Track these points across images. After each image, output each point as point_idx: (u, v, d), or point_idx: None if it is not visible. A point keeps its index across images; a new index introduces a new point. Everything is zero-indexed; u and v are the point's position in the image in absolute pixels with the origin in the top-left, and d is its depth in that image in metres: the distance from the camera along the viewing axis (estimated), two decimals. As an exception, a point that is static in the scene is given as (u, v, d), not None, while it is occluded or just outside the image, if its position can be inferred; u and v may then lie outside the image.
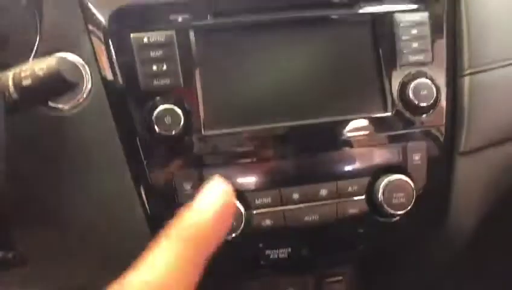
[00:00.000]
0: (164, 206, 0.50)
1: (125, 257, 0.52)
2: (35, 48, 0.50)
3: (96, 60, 0.49)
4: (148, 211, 0.50)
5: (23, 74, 0.38)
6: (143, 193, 0.50)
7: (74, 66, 0.47)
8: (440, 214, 0.56)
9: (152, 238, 0.50)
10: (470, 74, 0.55)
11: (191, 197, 0.49)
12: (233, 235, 0.49)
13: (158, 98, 0.49)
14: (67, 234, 0.52)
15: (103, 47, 0.50)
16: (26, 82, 0.38)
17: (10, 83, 0.38)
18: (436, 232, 0.57)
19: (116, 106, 0.49)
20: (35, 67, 0.38)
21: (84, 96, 0.49)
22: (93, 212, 0.50)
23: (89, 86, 0.49)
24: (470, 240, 0.60)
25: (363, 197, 0.53)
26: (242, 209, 0.49)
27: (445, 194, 0.56)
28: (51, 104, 0.48)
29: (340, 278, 0.69)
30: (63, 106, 0.49)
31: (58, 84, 0.39)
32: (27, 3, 0.50)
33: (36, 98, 0.40)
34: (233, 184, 0.50)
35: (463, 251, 0.60)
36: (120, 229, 0.51)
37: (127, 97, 0.49)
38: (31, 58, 0.48)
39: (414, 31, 0.53)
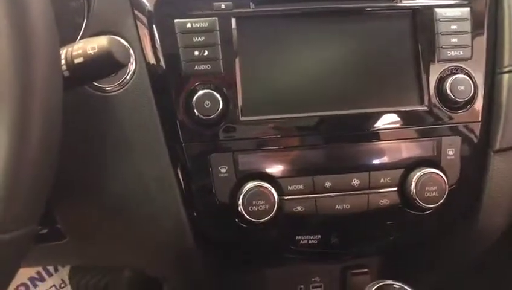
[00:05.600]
0: (199, 188, 0.52)
1: (160, 235, 0.54)
2: (81, 31, 0.52)
3: (140, 43, 0.51)
4: (184, 192, 0.52)
5: (75, 53, 0.40)
6: (179, 174, 0.52)
7: (124, 47, 0.49)
8: (471, 210, 0.56)
9: (187, 219, 0.52)
10: (510, 71, 0.54)
11: (225, 181, 0.51)
12: (266, 218, 0.50)
13: (198, 82, 0.51)
14: (105, 211, 0.54)
15: (147, 31, 0.51)
16: (78, 60, 0.40)
17: (63, 60, 0.40)
18: (466, 228, 0.57)
19: (157, 89, 0.51)
20: (87, 46, 0.40)
21: (128, 77, 0.51)
22: (130, 191, 0.52)
23: (133, 68, 0.51)
24: (499, 238, 0.60)
25: (395, 189, 0.53)
26: (275, 194, 0.50)
27: (478, 191, 0.56)
28: (95, 83, 0.50)
29: (366, 270, 0.70)
30: (107, 86, 0.51)
31: (108, 63, 0.40)
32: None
33: (86, 76, 0.42)
34: (267, 170, 0.52)
35: (491, 248, 0.60)
36: (156, 209, 0.52)
37: (169, 80, 0.51)
38: (77, 40, 0.50)
39: (454, 26, 0.54)
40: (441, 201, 0.52)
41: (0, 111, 0.32)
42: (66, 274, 1.09)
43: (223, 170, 0.51)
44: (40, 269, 1.13)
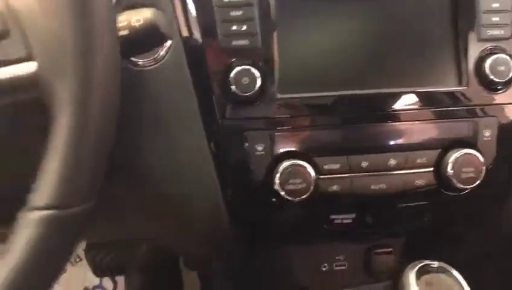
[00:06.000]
0: (235, 166, 0.51)
1: (194, 212, 0.54)
2: (114, 2, 0.51)
3: (176, 17, 0.50)
4: (219, 170, 0.51)
5: (120, 25, 0.39)
6: (215, 151, 0.51)
7: (167, 19, 0.47)
8: (506, 191, 0.56)
9: (222, 197, 0.52)
10: (551, 51, 0.53)
11: (261, 159, 0.51)
12: (302, 197, 0.50)
13: (236, 58, 0.49)
14: (137, 187, 0.53)
15: (183, 5, 0.50)
16: (123, 32, 0.39)
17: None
18: (499, 209, 0.57)
19: (193, 64, 0.50)
20: (131, 18, 0.39)
21: (163, 53, 0.50)
22: (164, 167, 0.51)
23: (169, 42, 0.50)
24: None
25: (431, 169, 0.53)
26: (312, 173, 0.50)
27: (513, 172, 0.55)
28: (131, 58, 0.49)
29: (390, 249, 0.70)
30: (143, 60, 0.49)
31: (153, 36, 0.39)
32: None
33: (129, 49, 0.41)
34: (304, 149, 0.51)
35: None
36: (190, 186, 0.52)
37: (205, 55, 0.50)
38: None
39: (495, 4, 0.52)
40: (478, 182, 0.52)
41: (62, 86, 0.31)
42: (82, 249, 1.09)
43: (259, 148, 0.50)
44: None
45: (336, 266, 0.70)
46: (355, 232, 0.55)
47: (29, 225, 0.31)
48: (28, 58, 0.30)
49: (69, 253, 0.34)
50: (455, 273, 0.42)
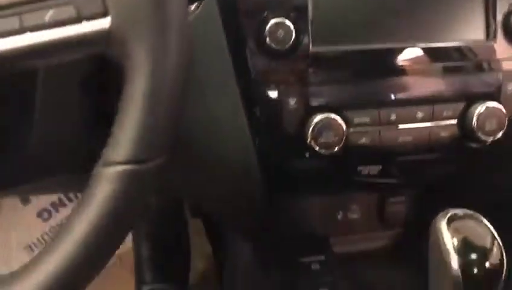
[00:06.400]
0: (268, 120, 0.52)
1: (228, 169, 0.55)
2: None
3: (207, -32, 0.49)
4: (253, 124, 0.52)
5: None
6: (248, 105, 0.51)
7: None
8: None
9: (255, 152, 0.53)
10: None
11: (294, 113, 0.51)
12: (335, 150, 0.51)
13: (269, 10, 0.49)
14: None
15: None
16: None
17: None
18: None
19: (226, 17, 0.49)
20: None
21: (196, 4, 0.49)
22: (198, 123, 0.52)
23: (201, -4, 0.49)
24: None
25: (455, 122, 0.54)
26: (344, 126, 0.51)
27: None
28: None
29: (403, 198, 0.73)
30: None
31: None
32: None
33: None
34: (335, 102, 0.52)
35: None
36: (223, 142, 0.52)
37: (238, 8, 0.49)
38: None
39: (526, -44, 0.52)
40: (500, 133, 0.53)
41: (139, 44, 0.30)
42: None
43: (292, 102, 0.51)
44: (61, 195, 1.14)
45: (350, 214, 0.73)
46: (382, 183, 0.56)
47: (108, 179, 0.31)
48: (103, 14, 0.30)
49: (142, 208, 0.35)
50: (484, 220, 0.44)
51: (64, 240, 0.30)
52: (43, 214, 1.19)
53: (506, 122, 0.54)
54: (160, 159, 0.34)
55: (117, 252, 0.34)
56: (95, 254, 0.31)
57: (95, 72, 0.40)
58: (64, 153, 0.44)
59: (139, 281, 1.01)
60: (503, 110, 0.53)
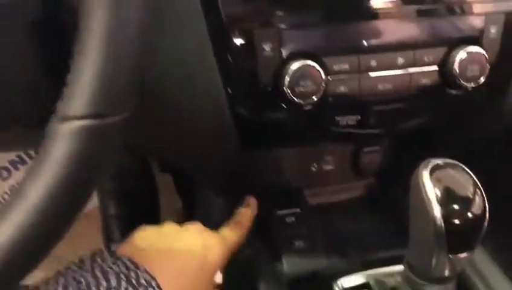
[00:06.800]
0: (241, 68, 0.48)
1: (198, 121, 0.51)
2: None
3: None
4: (224, 71, 0.48)
5: None
6: (218, 51, 0.47)
7: None
8: (507, 86, 0.56)
9: (227, 103, 0.49)
10: None
11: (268, 60, 0.48)
12: (313, 99, 0.48)
13: None
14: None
15: None
16: None
17: None
18: (499, 104, 0.58)
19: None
20: None
21: None
22: (163, 68, 0.47)
23: None
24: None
25: (436, 69, 0.52)
26: (323, 74, 0.48)
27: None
28: None
29: (377, 148, 0.72)
30: None
31: None
32: None
33: None
34: (313, 48, 0.49)
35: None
36: (193, 92, 0.48)
37: None
38: None
39: None
40: (482, 79, 0.52)
41: None
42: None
43: (267, 48, 0.47)
44: (20, 152, 1.08)
45: (324, 165, 0.71)
46: (360, 133, 0.54)
47: (64, 136, 0.27)
48: None
49: (105, 168, 0.31)
50: (466, 169, 0.43)
51: (18, 207, 0.27)
52: (2, 173, 1.13)
53: (488, 68, 0.52)
54: (123, 112, 0.30)
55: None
56: (52, 223, 0.28)
57: (50, 12, 0.35)
58: (17, 104, 0.39)
59: (107, 239, 0.99)
60: (485, 55, 0.51)
